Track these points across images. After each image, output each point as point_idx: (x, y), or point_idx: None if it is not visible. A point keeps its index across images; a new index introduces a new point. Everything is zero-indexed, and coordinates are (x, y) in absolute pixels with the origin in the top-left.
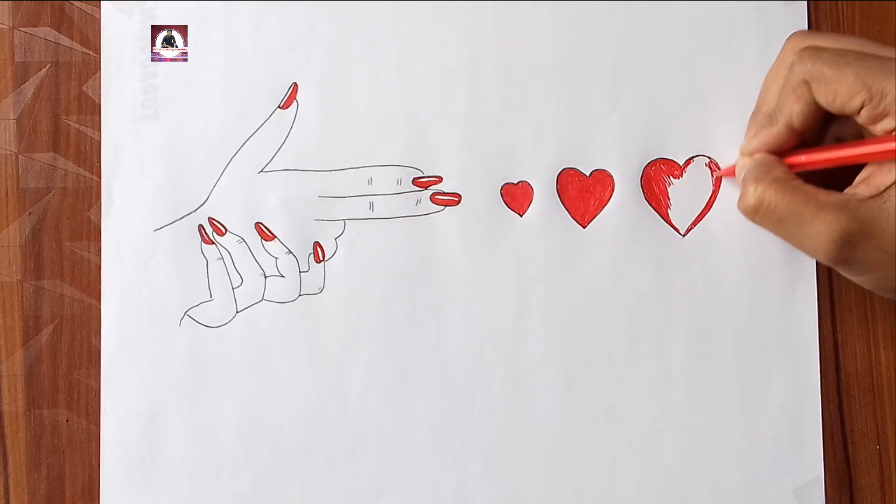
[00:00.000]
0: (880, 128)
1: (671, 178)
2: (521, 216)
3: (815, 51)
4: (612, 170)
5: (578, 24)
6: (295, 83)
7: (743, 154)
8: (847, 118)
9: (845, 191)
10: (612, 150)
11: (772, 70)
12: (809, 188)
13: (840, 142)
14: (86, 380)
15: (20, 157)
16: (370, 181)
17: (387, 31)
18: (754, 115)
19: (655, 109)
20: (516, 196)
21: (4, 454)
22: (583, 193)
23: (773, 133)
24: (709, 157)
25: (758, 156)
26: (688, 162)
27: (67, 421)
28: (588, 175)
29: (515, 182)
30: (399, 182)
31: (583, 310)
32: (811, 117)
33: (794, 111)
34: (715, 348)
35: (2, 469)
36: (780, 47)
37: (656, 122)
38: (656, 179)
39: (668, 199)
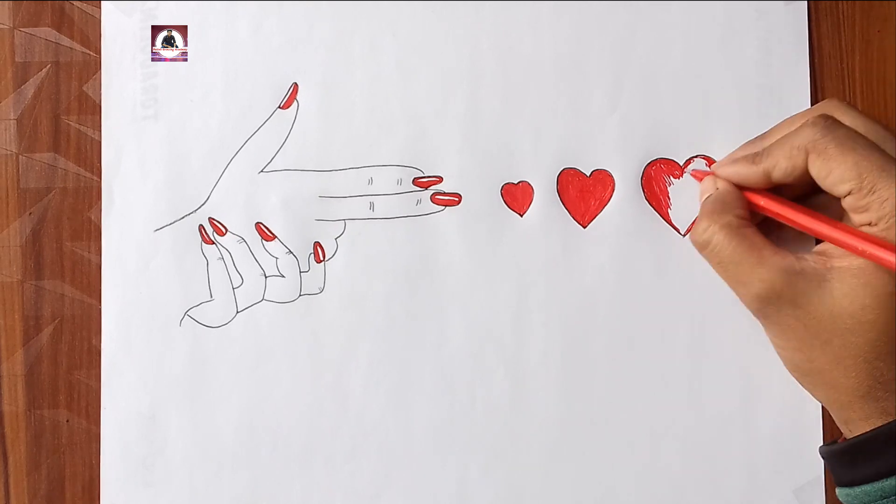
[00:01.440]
0: (857, 217)
1: (671, 178)
2: (521, 216)
3: (833, 124)
4: (612, 170)
5: (578, 24)
6: (295, 83)
7: (716, 171)
8: None
9: (797, 254)
10: (613, 150)
11: (795, 115)
12: (758, 240)
13: (809, 197)
14: (86, 380)
15: (20, 157)
16: (370, 181)
17: (387, 31)
18: (751, 142)
19: (655, 109)
20: (516, 196)
21: (5, 454)
22: (583, 193)
23: (750, 172)
24: (709, 157)
25: (722, 187)
26: (688, 162)
27: (68, 421)
28: (588, 175)
29: (516, 182)
30: (399, 182)
31: (583, 310)
32: (793, 178)
33: (780, 165)
34: (715, 348)
35: (2, 469)
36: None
37: (656, 122)
38: (656, 179)
39: (669, 199)
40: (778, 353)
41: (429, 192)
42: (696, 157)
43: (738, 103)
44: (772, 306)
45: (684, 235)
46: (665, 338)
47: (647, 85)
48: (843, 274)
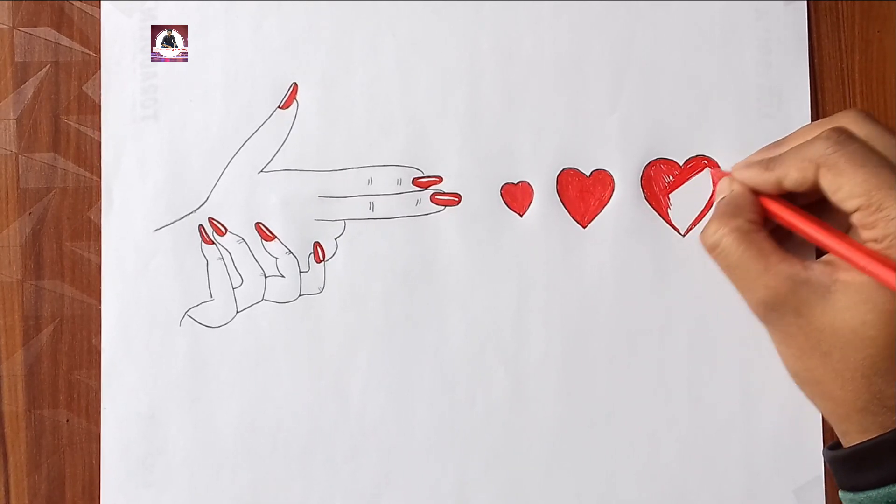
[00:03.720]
0: (864, 233)
1: (671, 178)
2: (521, 216)
3: (845, 138)
4: (612, 170)
5: (578, 24)
6: (295, 83)
7: (734, 173)
8: None
9: (805, 262)
10: (612, 150)
11: (813, 123)
12: (767, 246)
13: (823, 203)
14: (86, 380)
15: (20, 157)
16: (370, 181)
17: (387, 31)
18: (769, 147)
19: (655, 109)
20: (516, 196)
21: (5, 454)
22: (583, 193)
23: (763, 178)
24: (709, 157)
25: (736, 189)
26: (688, 162)
27: (68, 421)
28: (588, 175)
29: (515, 182)
30: (399, 182)
31: (583, 310)
32: (804, 189)
33: (791, 176)
34: (715, 348)
35: (2, 469)
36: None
37: (656, 122)
38: (656, 179)
39: (668, 199)
40: (781, 360)
41: (428, 192)
42: (695, 156)
43: (737, 103)
44: (775, 313)
45: (684, 235)
46: (665, 338)
47: (647, 85)
48: (847, 287)
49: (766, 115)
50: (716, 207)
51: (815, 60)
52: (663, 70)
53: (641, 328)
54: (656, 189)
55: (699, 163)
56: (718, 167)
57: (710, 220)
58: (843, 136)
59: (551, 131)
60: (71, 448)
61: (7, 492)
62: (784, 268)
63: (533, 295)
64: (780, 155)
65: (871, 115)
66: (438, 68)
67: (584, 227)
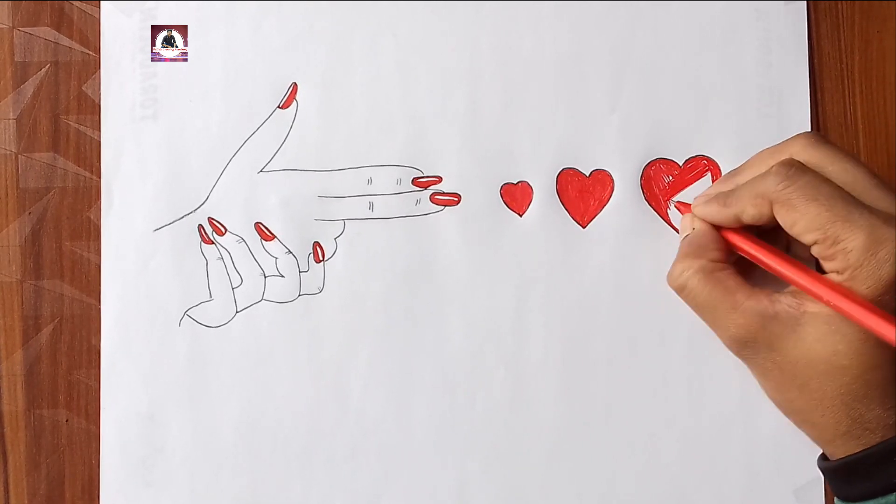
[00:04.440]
0: (825, 265)
1: (671, 178)
2: (520, 216)
3: (795, 172)
4: (611, 170)
5: (578, 24)
6: (295, 83)
7: (694, 210)
8: None
9: (772, 296)
10: (612, 150)
11: (767, 150)
12: (732, 283)
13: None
14: (86, 380)
15: (20, 156)
16: (370, 181)
17: (387, 31)
18: (726, 177)
19: (655, 109)
20: (516, 196)
21: (4, 454)
22: (583, 193)
23: (723, 214)
24: (709, 157)
25: (698, 227)
26: (687, 162)
27: (67, 421)
28: (588, 175)
29: (515, 182)
30: (399, 182)
31: (583, 310)
32: (763, 222)
33: (748, 212)
34: (715, 348)
35: (2, 469)
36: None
37: (656, 122)
38: (656, 179)
39: (668, 198)
40: (763, 392)
41: (428, 192)
42: (695, 156)
43: (737, 103)
44: (748, 349)
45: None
46: (665, 338)
47: (647, 85)
48: (815, 319)
49: (766, 115)
50: (680, 247)
51: (815, 60)
52: (663, 70)
53: (641, 328)
54: (656, 189)
55: (699, 163)
56: (718, 167)
57: (675, 261)
58: (794, 169)
59: (551, 131)
60: (70, 448)
61: (6, 492)
62: (751, 304)
63: (533, 295)
64: (735, 190)
65: (822, 139)
66: (438, 68)
67: (584, 227)
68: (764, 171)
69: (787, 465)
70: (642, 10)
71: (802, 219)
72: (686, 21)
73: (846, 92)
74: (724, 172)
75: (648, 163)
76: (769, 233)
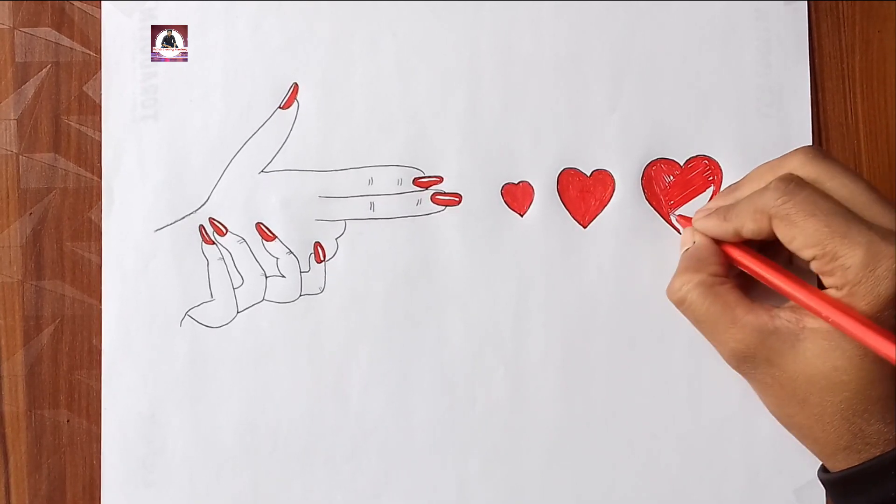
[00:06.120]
0: (825, 280)
1: (671, 177)
2: (521, 216)
3: (794, 187)
4: (612, 170)
5: (578, 24)
6: (295, 83)
7: (694, 224)
8: None
9: (772, 310)
10: (613, 149)
11: (766, 164)
12: (732, 298)
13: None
14: (86, 380)
15: (21, 157)
16: (371, 181)
17: (387, 31)
18: (726, 191)
19: (655, 109)
20: (517, 196)
21: (5, 454)
22: (583, 193)
23: (722, 229)
24: (709, 157)
25: (698, 241)
26: (688, 162)
27: (68, 421)
28: (588, 175)
29: (516, 182)
30: (399, 182)
31: (583, 310)
32: (763, 237)
33: (747, 227)
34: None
35: (3, 469)
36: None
37: (656, 122)
38: (656, 179)
39: (669, 198)
40: (764, 406)
41: (429, 192)
42: (695, 156)
43: (737, 103)
44: (748, 364)
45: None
46: (665, 338)
47: (647, 85)
48: (814, 335)
49: (766, 115)
50: (680, 261)
51: (815, 60)
52: (663, 70)
53: (641, 328)
54: (657, 189)
55: (700, 162)
56: (719, 167)
57: (675, 275)
58: (792, 184)
59: (551, 131)
60: (71, 448)
61: (7, 492)
62: (751, 319)
63: (533, 295)
64: (735, 205)
65: (822, 153)
66: (438, 68)
67: (585, 227)
68: (763, 185)
69: (787, 465)
70: (642, 10)
71: (801, 234)
72: (686, 21)
73: (846, 92)
74: (724, 172)
75: (649, 163)
76: (770, 246)
